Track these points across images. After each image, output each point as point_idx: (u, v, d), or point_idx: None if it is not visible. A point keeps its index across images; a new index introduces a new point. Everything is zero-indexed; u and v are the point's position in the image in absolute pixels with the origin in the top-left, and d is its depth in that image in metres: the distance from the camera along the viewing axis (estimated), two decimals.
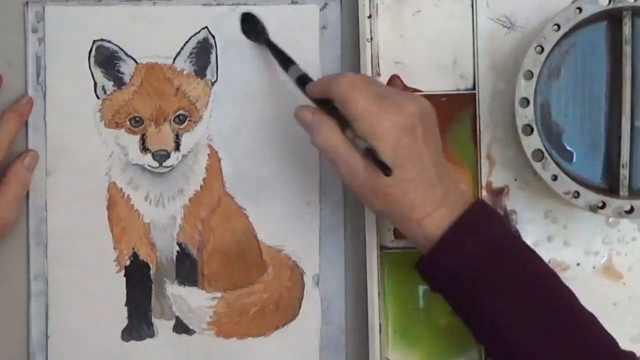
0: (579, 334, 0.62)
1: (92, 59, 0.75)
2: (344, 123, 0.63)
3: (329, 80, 0.64)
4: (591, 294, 0.72)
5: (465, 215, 0.63)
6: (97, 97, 0.75)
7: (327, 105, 0.64)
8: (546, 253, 0.74)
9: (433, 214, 0.62)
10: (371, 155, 0.61)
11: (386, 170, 0.60)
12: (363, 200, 0.65)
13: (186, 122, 0.75)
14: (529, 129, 0.69)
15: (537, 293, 0.62)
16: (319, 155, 0.75)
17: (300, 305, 0.75)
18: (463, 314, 0.64)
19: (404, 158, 0.62)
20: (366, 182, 0.62)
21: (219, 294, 0.75)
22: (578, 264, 0.75)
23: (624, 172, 0.69)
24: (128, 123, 0.75)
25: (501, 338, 0.62)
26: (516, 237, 0.65)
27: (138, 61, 0.75)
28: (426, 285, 0.66)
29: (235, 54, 0.75)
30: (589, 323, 0.63)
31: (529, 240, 0.74)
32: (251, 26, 0.74)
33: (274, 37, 0.74)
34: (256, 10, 0.75)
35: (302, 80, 0.68)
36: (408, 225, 0.63)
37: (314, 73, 0.74)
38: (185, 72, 0.75)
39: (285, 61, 0.71)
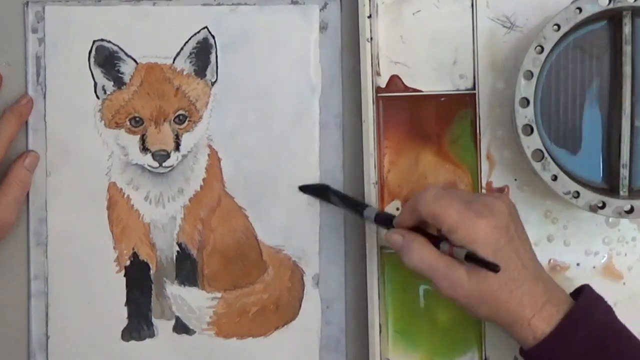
0: None
1: (92, 59, 0.75)
2: (435, 240, 0.64)
3: (413, 203, 0.64)
4: None
5: (575, 309, 0.62)
6: (97, 97, 0.75)
7: (414, 229, 0.65)
8: (546, 253, 0.74)
9: (542, 311, 0.62)
10: (474, 258, 0.61)
11: (494, 268, 0.60)
12: (469, 310, 0.64)
13: (186, 122, 0.75)
14: (529, 129, 0.69)
15: None
16: (319, 155, 0.75)
17: (300, 305, 0.75)
18: None
19: (505, 259, 0.62)
20: (472, 291, 0.62)
21: (219, 294, 0.75)
22: (578, 264, 0.75)
23: (624, 172, 0.69)
24: (128, 123, 0.75)
25: None
26: (622, 326, 0.65)
27: (138, 61, 0.75)
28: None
29: (235, 54, 0.75)
30: None
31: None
32: (314, 191, 0.75)
33: (274, 37, 0.74)
34: (256, 12, 0.75)
35: (382, 217, 0.69)
36: (516, 326, 0.63)
37: (314, 73, 0.74)
38: (185, 72, 0.75)
39: (358, 206, 0.71)
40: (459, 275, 0.62)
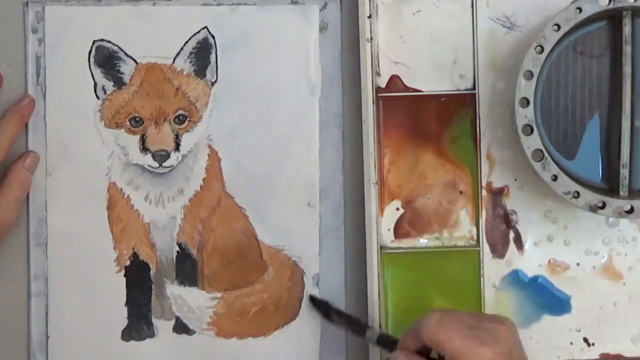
0: None
1: (92, 59, 0.75)
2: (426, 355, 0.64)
3: (416, 327, 0.64)
4: (591, 294, 0.73)
5: None
6: (97, 97, 0.75)
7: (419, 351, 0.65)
8: (546, 253, 0.74)
9: None
10: None
11: None
12: None
13: (186, 122, 0.75)
14: (529, 129, 0.69)
15: None
16: (319, 155, 0.75)
17: (300, 305, 0.75)
18: None
19: None
20: None
21: (219, 294, 0.75)
22: (578, 264, 0.75)
23: (624, 172, 0.69)
24: (128, 123, 0.75)
25: None
26: None
27: (138, 61, 0.75)
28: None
29: (235, 54, 0.75)
30: None
31: (529, 240, 0.75)
32: (318, 305, 0.75)
33: (274, 37, 0.74)
34: (256, 12, 0.75)
35: (383, 340, 0.69)
36: None
37: (314, 73, 0.74)
38: (185, 72, 0.75)
39: (360, 326, 0.71)
40: None
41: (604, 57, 0.70)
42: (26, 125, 0.74)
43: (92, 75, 0.75)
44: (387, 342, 0.68)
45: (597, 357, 0.74)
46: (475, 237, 0.74)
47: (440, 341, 0.62)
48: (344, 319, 0.73)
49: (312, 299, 0.75)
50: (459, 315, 0.65)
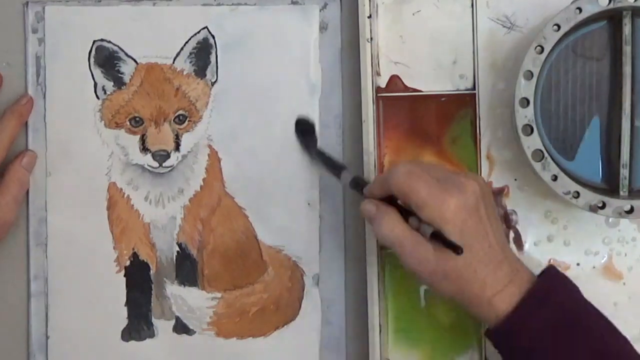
0: None
1: (92, 59, 0.75)
2: (406, 213, 0.64)
3: (385, 177, 0.64)
4: (591, 294, 0.72)
5: (535, 288, 0.63)
6: (97, 97, 0.75)
7: (387, 199, 0.65)
8: (546, 253, 0.74)
9: (503, 291, 0.63)
10: (439, 238, 0.61)
11: (457, 250, 0.60)
12: (433, 287, 0.64)
13: (186, 122, 0.75)
14: (529, 129, 0.69)
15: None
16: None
17: (300, 305, 0.75)
18: None
19: (471, 238, 0.62)
20: (437, 268, 0.62)
21: (219, 294, 0.75)
22: (578, 264, 0.75)
23: (624, 172, 0.69)
24: (128, 123, 0.75)
25: None
26: (585, 304, 0.65)
27: (138, 61, 0.75)
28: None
29: (235, 54, 0.75)
30: None
31: (529, 240, 0.75)
32: (306, 132, 0.74)
33: (274, 37, 0.74)
34: (256, 12, 0.75)
35: (357, 182, 0.69)
36: (478, 305, 0.63)
37: (314, 73, 0.74)
38: (185, 72, 0.75)
39: (337, 168, 0.71)
40: (425, 252, 0.62)
41: (604, 57, 0.70)
42: (26, 125, 0.74)
43: (92, 75, 0.75)
44: (361, 186, 0.68)
45: None
46: None
47: (407, 191, 0.62)
48: (322, 157, 0.72)
49: (298, 122, 0.74)
50: (428, 167, 0.66)
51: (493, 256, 0.63)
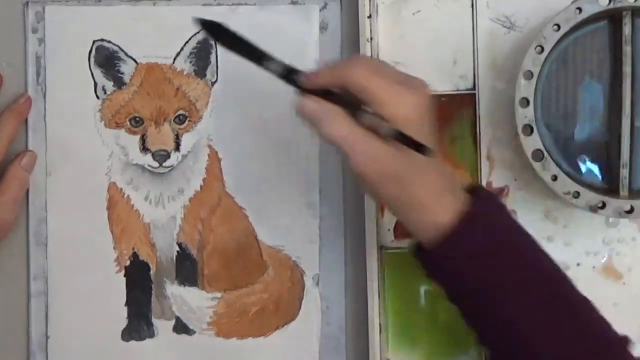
0: (576, 321, 0.62)
1: (92, 59, 0.75)
2: (353, 110, 0.60)
3: (340, 68, 0.60)
4: (591, 294, 0.72)
5: (476, 204, 0.62)
6: (97, 97, 0.75)
7: (327, 94, 0.60)
8: None
9: (442, 199, 0.61)
10: (403, 138, 0.58)
11: (425, 150, 0.58)
12: (378, 189, 0.61)
13: (186, 122, 0.75)
14: (529, 129, 0.69)
15: (538, 284, 0.62)
16: (319, 155, 0.75)
17: (300, 305, 0.75)
18: (461, 305, 0.63)
19: (426, 139, 0.60)
20: (387, 168, 0.59)
21: (219, 294, 0.75)
22: (578, 264, 0.75)
23: (624, 172, 0.69)
24: (128, 123, 0.75)
25: (501, 325, 0.61)
26: (520, 230, 0.64)
27: (138, 61, 0.75)
28: (425, 275, 0.64)
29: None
30: (586, 310, 0.63)
31: None
32: (212, 29, 0.65)
33: (273, 37, 0.74)
34: (256, 12, 0.75)
35: (289, 71, 0.62)
36: (418, 212, 0.61)
37: None
38: (185, 72, 0.75)
39: (261, 56, 0.63)
40: (376, 150, 0.59)
41: (604, 57, 0.70)
42: (26, 125, 0.74)
43: (92, 75, 0.75)
44: (294, 78, 0.61)
45: None
46: None
47: (367, 86, 0.59)
48: (244, 46, 0.63)
49: (201, 22, 0.64)
50: (386, 65, 0.63)
51: (438, 162, 0.62)
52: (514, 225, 0.64)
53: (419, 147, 0.58)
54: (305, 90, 0.61)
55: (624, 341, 0.63)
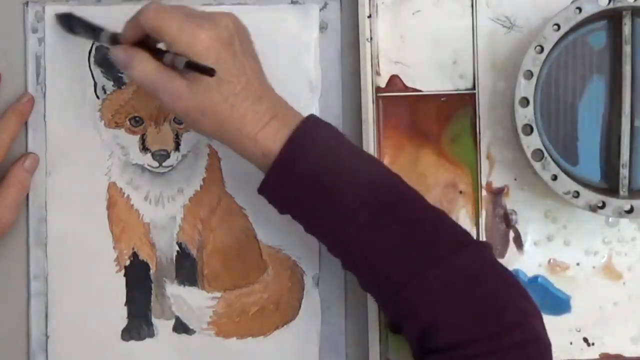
0: (427, 229, 0.62)
1: (92, 59, 0.75)
2: (159, 52, 0.63)
3: (135, 16, 0.63)
4: (591, 294, 0.73)
5: (301, 127, 0.63)
6: (97, 97, 0.75)
7: (141, 44, 0.64)
8: (546, 253, 0.74)
9: (266, 127, 0.62)
10: (191, 66, 0.60)
11: (209, 72, 0.60)
12: (193, 125, 0.64)
13: None
14: (528, 129, 0.69)
15: (381, 195, 0.62)
16: None
17: (300, 305, 0.75)
18: (315, 230, 0.65)
19: (226, 72, 0.62)
20: (191, 103, 0.62)
21: (218, 294, 0.75)
22: (578, 264, 0.75)
23: (624, 172, 0.69)
24: (128, 123, 0.75)
25: (353, 246, 0.62)
26: (351, 144, 0.65)
27: None
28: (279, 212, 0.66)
29: None
30: (439, 218, 0.64)
31: (529, 240, 0.75)
32: (62, 22, 0.74)
33: (273, 37, 0.74)
34: (256, 12, 0.75)
35: (115, 38, 0.67)
36: (242, 142, 0.63)
37: (314, 73, 0.74)
38: None
39: (96, 31, 0.70)
40: (178, 87, 0.62)
41: (604, 57, 0.70)
42: (26, 125, 0.74)
43: (92, 74, 0.75)
44: (117, 40, 0.67)
45: (597, 357, 0.74)
46: (475, 236, 0.74)
47: (159, 26, 0.62)
48: (83, 27, 0.71)
49: (58, 17, 0.73)
50: (181, 6, 0.64)
51: (252, 92, 0.63)
52: (340, 141, 0.64)
53: (204, 71, 0.60)
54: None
55: (486, 245, 0.64)
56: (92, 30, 0.71)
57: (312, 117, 0.64)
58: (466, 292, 0.60)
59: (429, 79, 0.75)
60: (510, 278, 0.62)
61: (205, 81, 0.61)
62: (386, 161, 0.74)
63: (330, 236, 0.64)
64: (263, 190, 0.65)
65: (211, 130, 0.63)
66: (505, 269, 0.63)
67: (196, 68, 0.60)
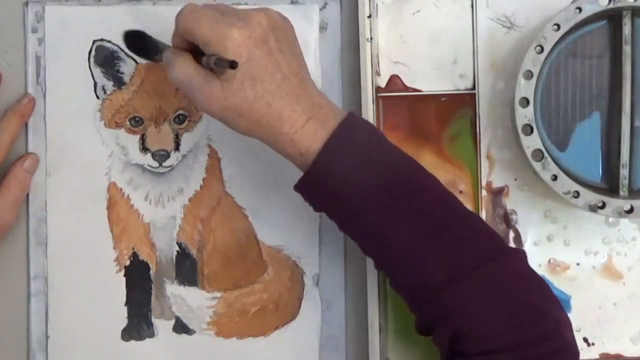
0: (463, 233, 0.62)
1: (92, 59, 0.75)
2: (200, 54, 0.62)
3: (175, 22, 0.63)
4: (591, 294, 0.73)
5: (340, 128, 0.62)
6: (97, 97, 0.75)
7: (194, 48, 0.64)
8: (546, 253, 0.74)
9: (304, 128, 0.61)
10: (217, 60, 0.60)
11: (232, 64, 0.59)
12: (231, 125, 0.63)
13: (186, 122, 0.75)
14: (528, 129, 0.69)
15: (418, 197, 0.62)
16: None
17: (300, 305, 0.75)
18: (349, 229, 0.64)
19: (259, 69, 0.61)
20: (226, 104, 0.61)
21: (218, 294, 0.75)
22: (578, 264, 0.75)
23: (624, 172, 0.69)
24: (128, 123, 0.75)
25: (388, 248, 0.62)
26: (390, 144, 0.64)
27: (138, 61, 0.75)
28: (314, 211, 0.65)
29: None
30: (475, 222, 0.63)
31: (529, 240, 0.75)
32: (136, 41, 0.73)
33: None
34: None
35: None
36: (280, 141, 0.62)
37: (314, 73, 0.74)
38: None
39: (160, 48, 0.70)
40: (213, 88, 0.61)
41: (604, 57, 0.71)
42: (26, 125, 0.74)
43: (92, 75, 0.75)
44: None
45: (597, 357, 0.75)
46: None
47: (191, 28, 0.61)
48: (152, 44, 0.71)
49: (127, 35, 0.73)
50: (216, 5, 0.64)
51: (289, 90, 0.62)
52: (379, 141, 0.63)
53: (226, 64, 0.59)
54: None
55: (519, 252, 0.63)
56: (158, 48, 0.70)
57: (351, 117, 0.63)
58: (501, 300, 0.60)
59: (429, 79, 0.75)
60: (543, 287, 0.62)
61: (239, 81, 0.61)
62: None
63: (365, 236, 0.63)
64: (300, 188, 0.64)
65: (247, 129, 0.63)
66: (539, 277, 0.63)
67: (220, 62, 0.60)
